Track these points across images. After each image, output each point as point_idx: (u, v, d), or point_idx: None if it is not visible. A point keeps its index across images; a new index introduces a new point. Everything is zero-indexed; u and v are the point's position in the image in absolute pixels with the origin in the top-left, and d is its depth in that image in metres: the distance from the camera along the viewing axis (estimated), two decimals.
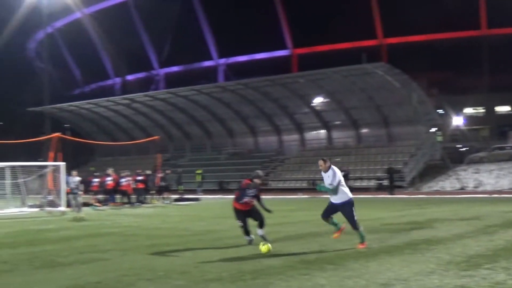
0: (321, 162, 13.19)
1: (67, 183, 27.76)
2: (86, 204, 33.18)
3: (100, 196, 35.62)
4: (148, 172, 38.66)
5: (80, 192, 28.18)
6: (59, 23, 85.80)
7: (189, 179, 51.06)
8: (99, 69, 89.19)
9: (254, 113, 61.36)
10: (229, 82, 60.40)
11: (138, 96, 63.57)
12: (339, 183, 12.83)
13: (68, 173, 29.44)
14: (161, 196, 38.40)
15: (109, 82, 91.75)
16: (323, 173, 13.13)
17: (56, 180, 31.38)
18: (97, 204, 34.07)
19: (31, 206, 31.98)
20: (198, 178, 50.13)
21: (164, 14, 77.40)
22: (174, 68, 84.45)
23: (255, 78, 56.11)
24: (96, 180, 35.45)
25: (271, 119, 61.35)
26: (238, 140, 65.56)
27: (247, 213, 13.98)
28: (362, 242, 12.93)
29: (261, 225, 13.96)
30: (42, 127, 56.28)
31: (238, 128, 64.65)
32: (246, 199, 13.86)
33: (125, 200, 35.51)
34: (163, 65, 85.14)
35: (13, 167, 32.48)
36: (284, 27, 73.90)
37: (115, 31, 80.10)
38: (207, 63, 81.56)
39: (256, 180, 13.96)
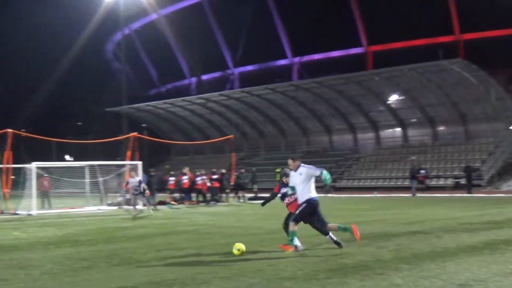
0: (290, 161, 12.95)
1: (128, 183, 27.92)
2: (162, 203, 33.72)
3: (176, 195, 36.09)
4: (223, 171, 38.93)
5: (147, 192, 28.08)
6: (136, 25, 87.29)
7: (265, 177, 51.19)
8: (175, 69, 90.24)
9: (329, 111, 61.01)
10: (304, 80, 60.13)
11: (213, 95, 64.06)
12: (306, 183, 12.56)
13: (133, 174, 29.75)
14: (236, 195, 38.66)
15: (185, 82, 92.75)
16: (292, 172, 12.89)
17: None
18: (173, 202, 34.52)
19: (109, 204, 32.71)
20: (278, 177, 49.97)
21: (238, 13, 77.77)
22: (249, 67, 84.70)
23: (330, 76, 55.73)
24: (172, 179, 35.91)
25: (346, 117, 60.88)
26: (312, 139, 65.33)
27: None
28: (286, 244, 12.63)
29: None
30: (119, 127, 57.35)
31: (312, 127, 64.43)
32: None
33: (201, 198, 35.88)
34: (237, 64, 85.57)
35: (92, 166, 33.30)
36: (359, 24, 73.17)
37: (190, 31, 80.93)
38: (282, 62, 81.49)
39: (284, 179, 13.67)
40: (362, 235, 15.22)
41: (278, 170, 49.49)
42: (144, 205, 27.80)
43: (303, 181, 12.56)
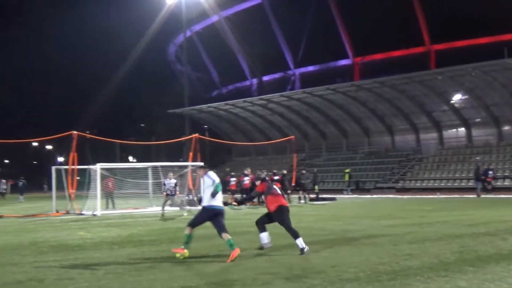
0: (199, 170, 13.65)
1: (164, 185, 28.36)
2: (224, 204, 33.86)
3: (237, 196, 36.22)
4: (285, 172, 38.88)
5: (177, 192, 28.62)
6: (197, 27, 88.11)
7: (327, 178, 50.97)
8: (236, 71, 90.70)
9: (391, 112, 60.37)
10: (365, 80, 59.53)
11: (274, 96, 64.08)
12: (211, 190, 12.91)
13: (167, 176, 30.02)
14: (297, 196, 38.56)
15: (246, 83, 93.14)
16: (201, 179, 13.34)
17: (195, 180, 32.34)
18: (234, 203, 34.63)
19: (171, 205, 33.03)
20: (347, 178, 49.72)
21: (299, 13, 77.70)
22: (310, 68, 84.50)
23: (392, 76, 55.09)
24: (234, 179, 36.01)
25: (408, 117, 60.14)
26: (374, 139, 64.77)
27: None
28: (180, 248, 12.72)
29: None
30: (182, 128, 57.99)
31: (374, 127, 63.87)
32: None
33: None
34: (298, 65, 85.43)
35: (155, 167, 33.71)
36: (421, 22, 72.20)
37: (251, 33, 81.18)
38: (343, 62, 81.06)
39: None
40: (425, 237, 15.05)
41: (347, 170, 49.19)
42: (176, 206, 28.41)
43: (205, 188, 12.98)
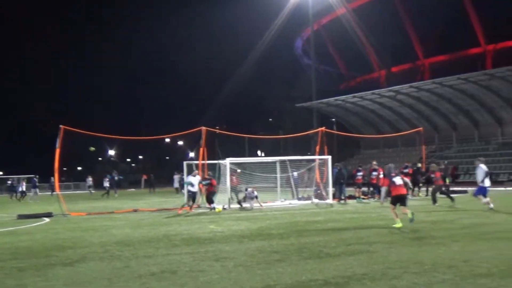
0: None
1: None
2: (351, 197, 33.74)
3: (365, 189, 35.93)
4: (419, 165, 38.27)
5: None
6: (324, 20, 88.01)
7: (458, 171, 49.64)
8: (364, 63, 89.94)
9: None
10: (499, 69, 57.37)
11: (403, 87, 63.06)
12: None
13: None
14: (426, 189, 37.69)
15: (374, 75, 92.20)
16: None
17: (322, 174, 32.36)
18: (363, 196, 34.41)
19: (300, 199, 33.27)
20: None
21: (428, 2, 75.95)
22: (440, 57, 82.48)
23: None
24: (360, 173, 35.72)
25: None
26: (508, 130, 62.33)
27: None
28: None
29: None
30: (310, 122, 58.12)
31: (508, 117, 61.48)
32: None
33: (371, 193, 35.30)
34: (428, 54, 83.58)
35: (283, 161, 34.02)
36: None
37: (378, 23, 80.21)
38: (474, 50, 78.55)
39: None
40: None
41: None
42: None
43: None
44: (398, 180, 16.93)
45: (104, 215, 26.33)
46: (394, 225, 16.53)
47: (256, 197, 28.85)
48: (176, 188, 50.55)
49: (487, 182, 22.22)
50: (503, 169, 54.46)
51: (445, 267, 10.04)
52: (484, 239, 13.56)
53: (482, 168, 22.57)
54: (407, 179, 18.39)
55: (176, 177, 50.97)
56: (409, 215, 16.56)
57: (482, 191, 22.33)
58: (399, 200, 16.90)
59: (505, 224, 16.75)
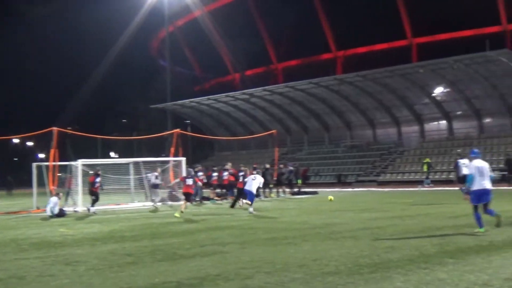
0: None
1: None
2: (205, 198, 33.86)
3: (218, 190, 36.15)
4: (267, 166, 38.81)
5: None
6: (179, 22, 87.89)
7: (308, 173, 50.85)
8: (219, 65, 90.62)
9: (373, 105, 60.51)
10: (348, 74, 59.37)
11: (257, 90, 63.89)
12: None
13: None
14: (278, 190, 38.36)
15: (229, 77, 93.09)
16: None
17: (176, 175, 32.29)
18: (216, 198, 34.61)
19: (153, 200, 32.95)
20: (425, 168, 44.83)
21: (282, 8, 77.61)
22: (292, 62, 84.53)
23: (374, 70, 55.06)
24: (215, 174, 35.91)
25: (390, 111, 60.32)
26: (356, 133, 64.91)
27: None
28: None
29: None
30: (165, 124, 57.90)
31: (356, 121, 64.02)
32: None
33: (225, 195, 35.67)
34: (281, 59, 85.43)
35: (136, 162, 33.63)
36: (403, 16, 72.40)
37: (233, 27, 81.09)
38: (326, 56, 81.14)
39: None
40: (406, 229, 15.11)
41: (427, 160, 47.41)
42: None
43: None
44: (189, 181, 23.14)
45: None
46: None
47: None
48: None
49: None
50: (351, 171, 56.59)
51: (296, 266, 10.21)
52: (333, 239, 13.94)
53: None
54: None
55: None
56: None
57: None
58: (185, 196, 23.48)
59: (352, 224, 17.34)
